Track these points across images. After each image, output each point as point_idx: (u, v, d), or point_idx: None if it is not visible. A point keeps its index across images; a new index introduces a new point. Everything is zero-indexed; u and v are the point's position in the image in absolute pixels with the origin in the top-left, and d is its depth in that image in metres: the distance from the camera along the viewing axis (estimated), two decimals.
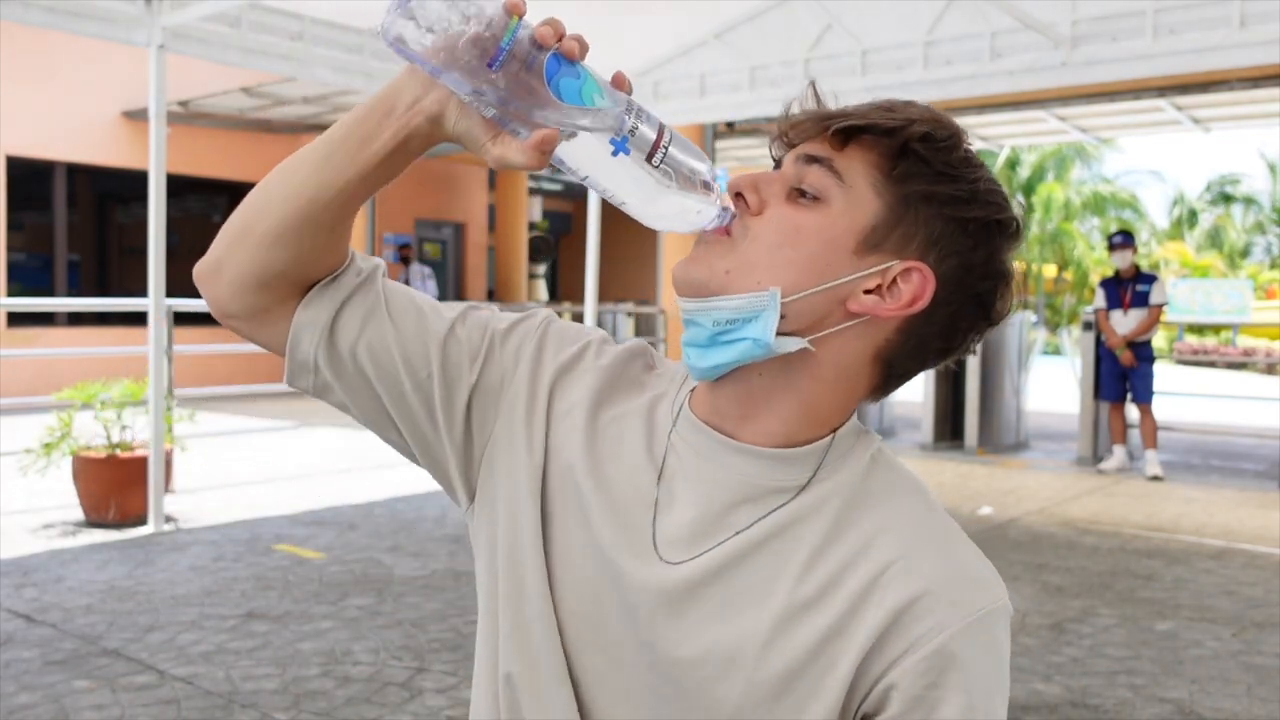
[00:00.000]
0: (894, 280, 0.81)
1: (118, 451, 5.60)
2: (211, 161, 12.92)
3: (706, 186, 0.79)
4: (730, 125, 11.62)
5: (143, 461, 5.54)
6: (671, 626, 0.82)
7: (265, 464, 7.74)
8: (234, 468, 7.52)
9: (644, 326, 11.34)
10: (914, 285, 0.81)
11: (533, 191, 16.08)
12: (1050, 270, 29.32)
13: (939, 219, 0.81)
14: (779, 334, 0.80)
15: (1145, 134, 13.31)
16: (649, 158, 0.76)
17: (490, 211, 15.74)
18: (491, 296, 15.40)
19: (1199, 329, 18.96)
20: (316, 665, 3.56)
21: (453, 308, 0.94)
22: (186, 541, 5.27)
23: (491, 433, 0.91)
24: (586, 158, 0.77)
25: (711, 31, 6.82)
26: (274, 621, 4.01)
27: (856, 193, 0.81)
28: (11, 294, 11.43)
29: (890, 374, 0.85)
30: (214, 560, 4.90)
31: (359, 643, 3.78)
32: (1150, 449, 7.89)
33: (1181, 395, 10.25)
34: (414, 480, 7.12)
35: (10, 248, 11.58)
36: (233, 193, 13.73)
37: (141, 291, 5.81)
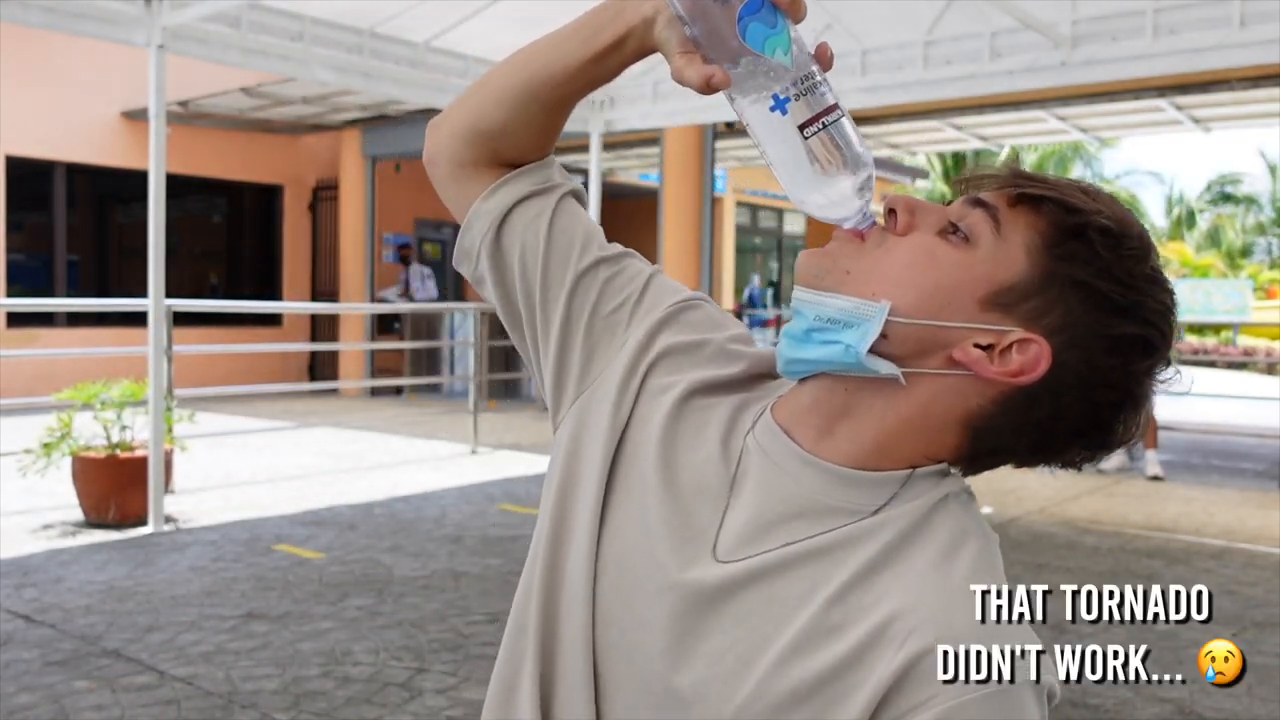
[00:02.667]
0: (1009, 346, 0.77)
1: (117, 452, 5.60)
2: (211, 162, 12.91)
3: (853, 183, 0.78)
4: (730, 125, 11.61)
5: (143, 461, 5.54)
6: (697, 620, 0.80)
7: (265, 464, 7.74)
8: (234, 468, 7.52)
9: None
10: (1028, 357, 0.76)
11: None
12: None
13: (1081, 309, 0.77)
14: (874, 352, 0.77)
15: (1145, 134, 13.31)
16: (802, 127, 0.76)
17: None
18: None
19: (1199, 329, 18.96)
20: (316, 665, 3.56)
21: (611, 249, 0.95)
22: (186, 541, 5.27)
23: (592, 382, 0.92)
24: (750, 105, 0.78)
25: None
26: (274, 621, 4.01)
27: (1008, 247, 0.78)
28: (11, 294, 11.43)
29: (979, 447, 0.81)
30: (214, 560, 4.90)
31: (359, 643, 3.78)
32: (1150, 449, 7.89)
33: (1181, 395, 10.24)
34: (414, 480, 7.12)
35: (10, 248, 11.58)
36: (233, 193, 13.75)
37: (141, 292, 5.81)
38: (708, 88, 0.76)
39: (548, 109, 0.91)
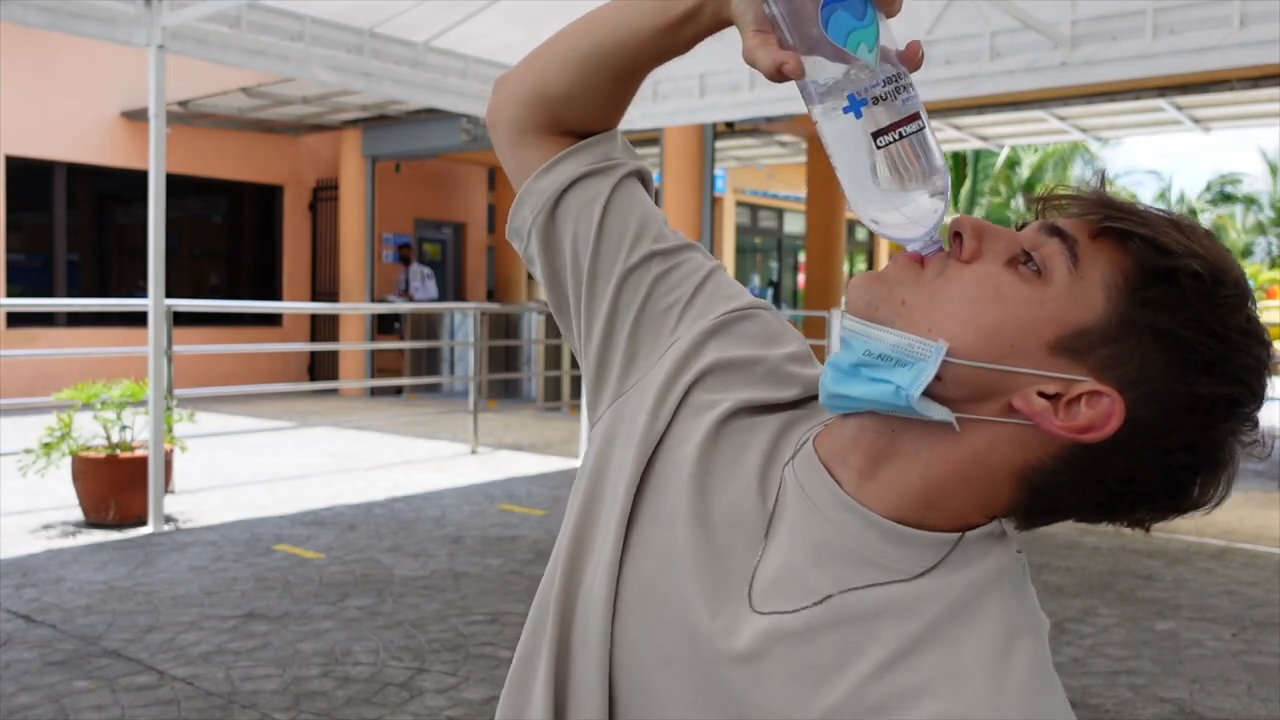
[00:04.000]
0: (1078, 398, 0.69)
1: (118, 452, 5.61)
2: (211, 162, 12.92)
3: (923, 203, 0.71)
4: (730, 125, 11.61)
5: (143, 461, 5.54)
6: (725, 670, 0.75)
7: (265, 464, 7.74)
8: (234, 468, 7.52)
9: None
10: (1097, 412, 0.68)
11: None
12: None
13: (1163, 361, 0.68)
14: (926, 394, 0.69)
15: (1145, 134, 13.32)
16: (876, 134, 0.69)
17: (490, 211, 15.74)
18: (491, 297, 15.40)
19: None
20: (316, 665, 3.56)
21: (668, 241, 0.88)
22: (186, 541, 5.27)
23: (633, 384, 0.86)
24: (821, 103, 0.71)
25: None
26: (274, 621, 4.01)
27: (1085, 286, 0.70)
28: (11, 294, 11.42)
29: (1036, 503, 0.73)
30: (214, 560, 4.90)
31: (359, 643, 3.78)
32: None
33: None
34: (414, 480, 7.12)
35: (10, 248, 11.58)
36: (232, 193, 13.75)
37: (141, 292, 5.81)
38: (778, 75, 0.69)
39: (616, 78, 0.85)
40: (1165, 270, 0.68)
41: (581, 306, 0.88)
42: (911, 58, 0.71)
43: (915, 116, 0.70)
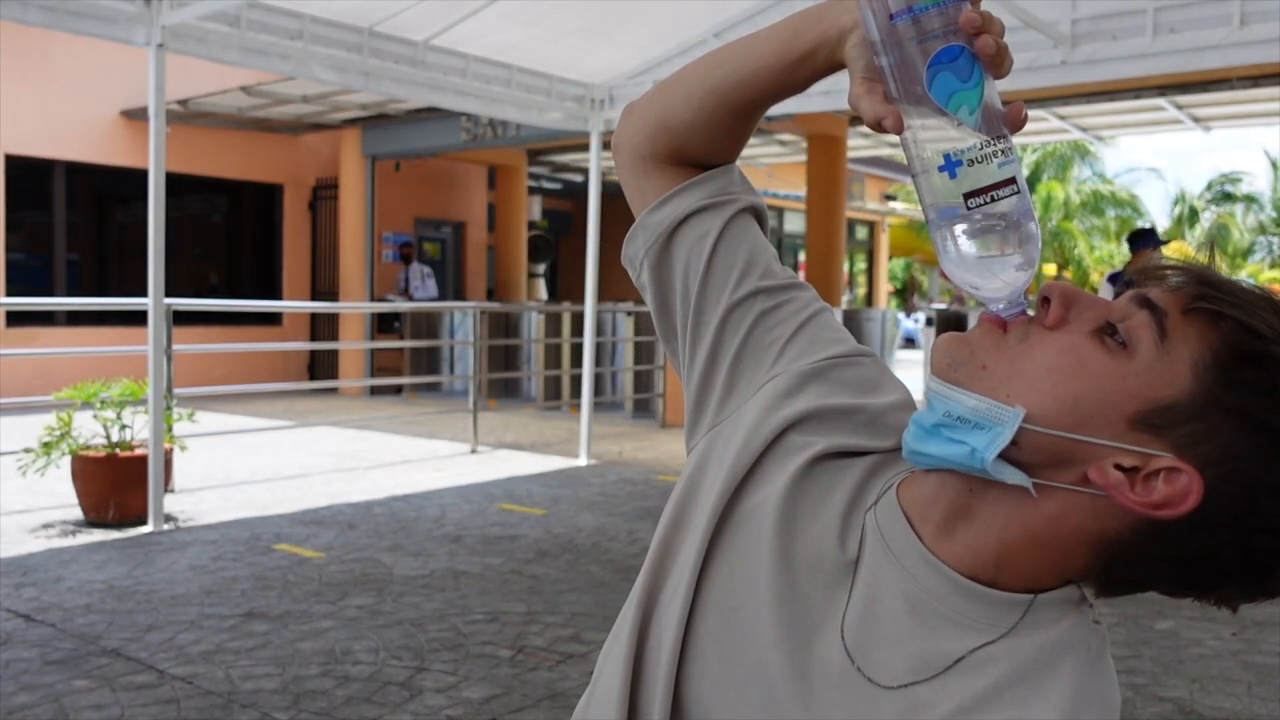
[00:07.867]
0: (1155, 472, 0.68)
1: (117, 451, 5.61)
2: (211, 161, 12.91)
3: (1009, 267, 0.71)
4: None
5: (142, 461, 5.54)
6: (793, 707, 0.75)
7: (265, 464, 7.74)
8: (234, 467, 7.52)
9: (643, 326, 11.33)
10: (1175, 489, 0.68)
11: (532, 191, 16.06)
12: (1050, 270, 29.35)
13: (1247, 444, 0.67)
14: (1002, 458, 0.70)
15: (1145, 133, 13.33)
16: (968, 195, 0.70)
17: (490, 211, 15.73)
18: (491, 296, 15.39)
19: None
20: (316, 665, 3.56)
21: (775, 278, 0.90)
22: (186, 541, 5.27)
23: (729, 415, 0.88)
24: (919, 159, 0.72)
25: (711, 31, 6.82)
26: (274, 621, 4.01)
27: (1171, 361, 0.69)
28: (11, 294, 11.42)
29: (1112, 574, 0.73)
30: (214, 560, 4.90)
31: (359, 642, 3.78)
32: None
33: None
34: (414, 479, 7.12)
35: (10, 248, 11.57)
36: (232, 192, 13.75)
37: (141, 291, 5.81)
38: (878, 127, 0.72)
39: (735, 113, 0.88)
40: (1256, 354, 0.68)
41: (688, 336, 0.91)
42: (1013, 120, 0.71)
43: (1010, 181, 0.70)
